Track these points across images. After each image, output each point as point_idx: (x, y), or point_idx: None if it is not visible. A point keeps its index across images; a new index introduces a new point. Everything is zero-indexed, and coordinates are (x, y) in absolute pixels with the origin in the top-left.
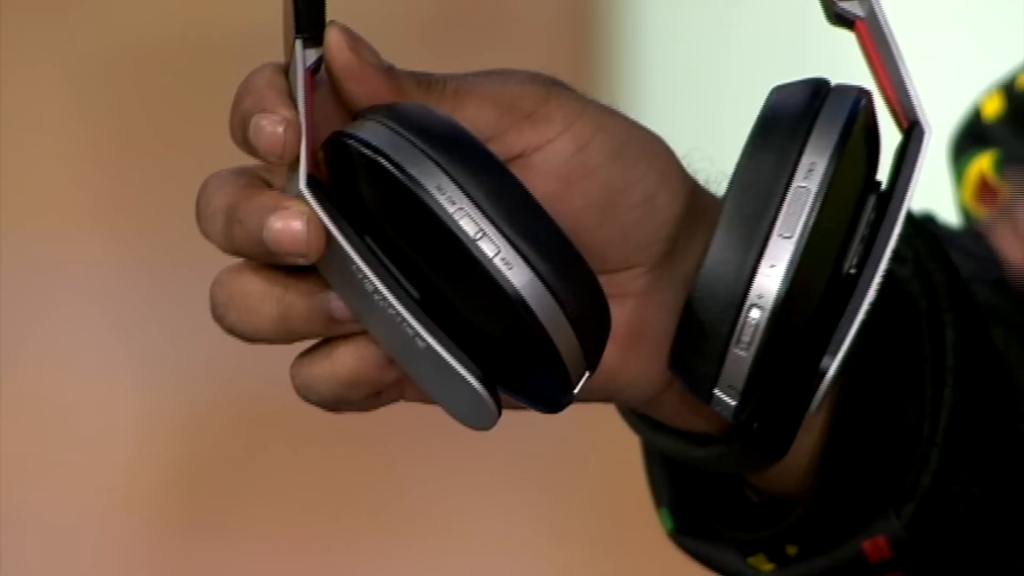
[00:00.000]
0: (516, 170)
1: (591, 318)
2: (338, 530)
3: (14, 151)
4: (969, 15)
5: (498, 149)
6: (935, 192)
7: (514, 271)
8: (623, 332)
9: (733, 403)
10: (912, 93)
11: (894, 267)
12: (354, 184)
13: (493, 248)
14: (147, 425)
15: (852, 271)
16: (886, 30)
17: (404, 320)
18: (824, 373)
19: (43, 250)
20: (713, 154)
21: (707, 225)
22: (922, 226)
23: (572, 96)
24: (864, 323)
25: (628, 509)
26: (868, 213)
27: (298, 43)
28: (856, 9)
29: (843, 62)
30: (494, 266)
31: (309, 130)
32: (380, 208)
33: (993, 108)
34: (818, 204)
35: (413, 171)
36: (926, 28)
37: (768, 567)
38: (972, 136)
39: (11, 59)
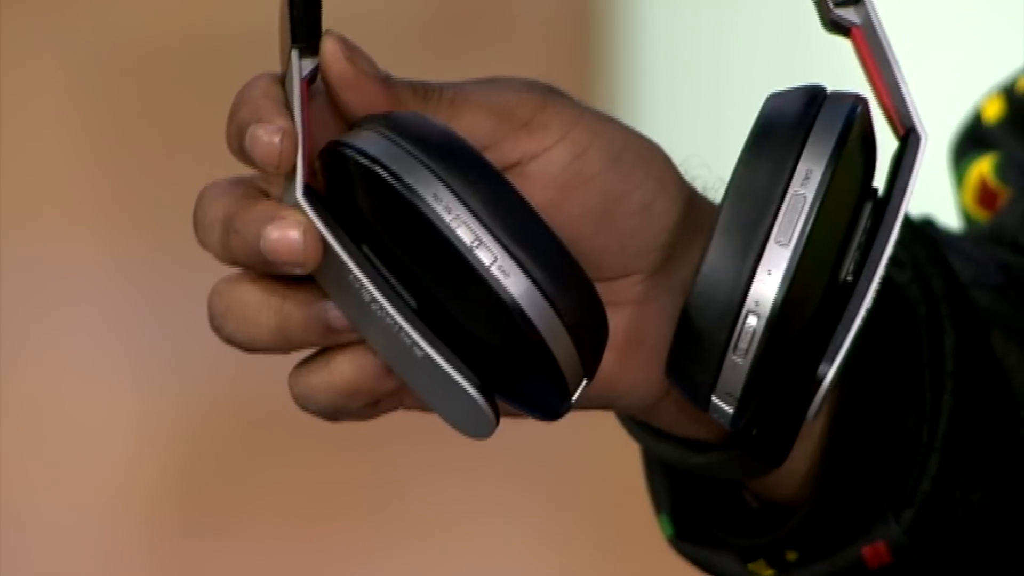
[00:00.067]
0: (513, 178)
1: (588, 326)
2: (337, 531)
3: (14, 150)
4: (969, 18)
5: (495, 157)
6: (936, 196)
7: (511, 279)
8: (621, 340)
9: (731, 410)
10: (908, 99)
11: (892, 272)
12: (351, 194)
13: (490, 256)
14: (147, 425)
15: (849, 278)
16: (882, 37)
17: (401, 329)
18: (821, 380)
19: (43, 249)
20: (713, 154)
21: (704, 232)
22: (921, 231)
23: (569, 104)
24: (861, 329)
25: (627, 513)
26: (865, 220)
27: (294, 53)
28: (852, 16)
29: (843, 64)
30: (491, 274)
31: (306, 140)
32: (377, 217)
33: (993, 111)
34: (815, 211)
35: (409, 180)
36: (926, 31)
37: (768, 573)
38: (972, 139)
39: (11, 58)
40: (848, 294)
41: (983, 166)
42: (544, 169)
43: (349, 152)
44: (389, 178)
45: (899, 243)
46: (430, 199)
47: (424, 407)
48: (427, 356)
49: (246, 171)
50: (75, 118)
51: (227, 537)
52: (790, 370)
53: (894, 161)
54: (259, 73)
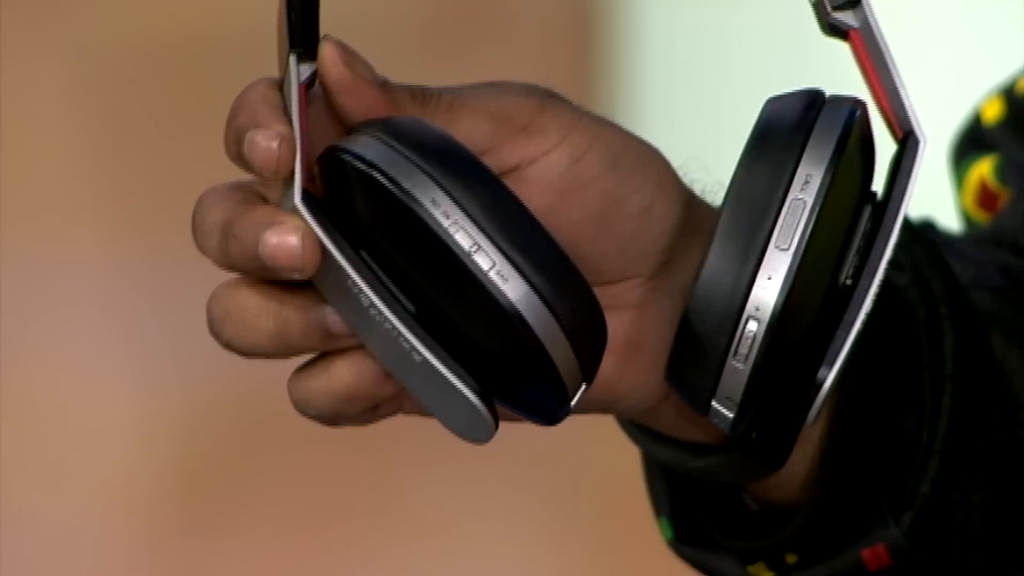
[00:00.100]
0: (511, 183)
1: (587, 330)
2: (337, 531)
3: (14, 150)
4: (968, 19)
5: (493, 162)
6: (936, 197)
7: (509, 284)
8: (620, 344)
9: (731, 415)
10: (907, 103)
11: (892, 275)
12: (349, 199)
13: (488, 262)
14: (147, 425)
15: (848, 282)
16: (880, 40)
17: (400, 334)
18: (821, 384)
19: (43, 249)
20: (713, 155)
21: (704, 236)
22: (920, 233)
23: (567, 108)
24: (861, 333)
25: (627, 515)
26: (864, 224)
27: (292, 58)
28: (850, 20)
29: (844, 66)
30: (489, 280)
31: (304, 145)
32: (375, 222)
33: (993, 113)
34: (814, 216)
35: (407, 185)
36: (925, 32)
37: (768, 575)
38: (972, 141)
39: (11, 58)
40: (848, 298)
41: (983, 168)
42: (542, 173)
43: (347, 157)
44: (387, 183)
45: (899, 246)
46: (428, 204)
47: (423, 412)
48: (426, 361)
49: (245, 176)
50: (75, 118)
51: (227, 537)
52: (790, 374)
53: (893, 164)
54: (257, 78)
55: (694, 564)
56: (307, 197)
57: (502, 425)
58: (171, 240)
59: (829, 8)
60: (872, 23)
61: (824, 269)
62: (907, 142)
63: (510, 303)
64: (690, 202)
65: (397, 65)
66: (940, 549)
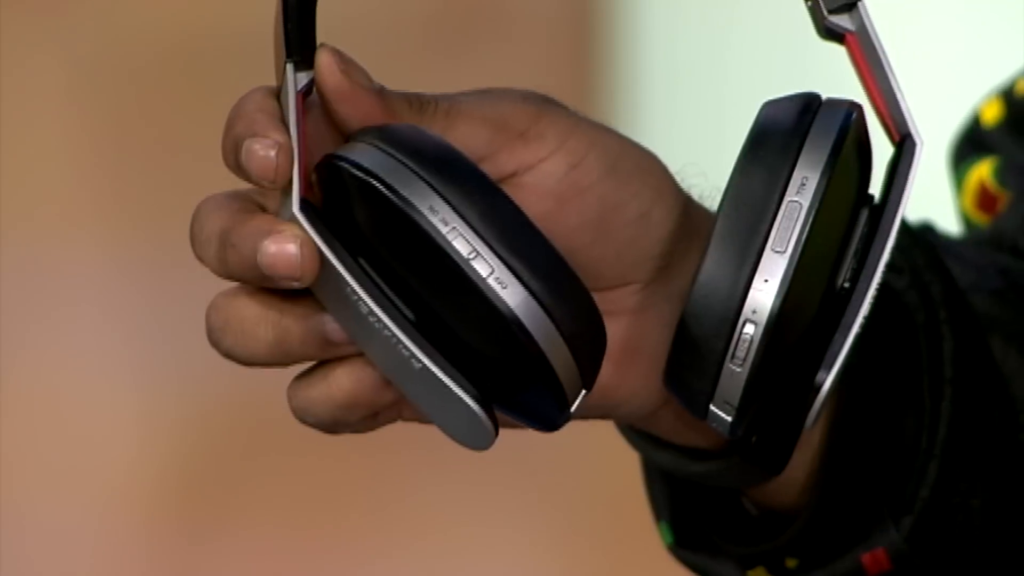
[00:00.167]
0: (509, 189)
1: (586, 336)
2: (337, 532)
3: (14, 150)
4: (967, 20)
5: (490, 169)
6: (935, 199)
7: (508, 291)
8: (619, 349)
9: (729, 419)
10: (903, 106)
11: (891, 278)
12: (347, 207)
13: (487, 268)
14: (147, 425)
15: (846, 285)
16: (876, 43)
17: (400, 342)
18: (820, 387)
19: (43, 249)
20: (713, 156)
21: (701, 240)
22: (919, 236)
23: (564, 114)
24: (859, 337)
25: (627, 518)
26: (861, 227)
27: (289, 66)
28: (846, 23)
29: (844, 69)
30: (488, 286)
31: (301, 153)
32: (374, 230)
33: (992, 114)
34: (811, 218)
35: (405, 192)
36: (924, 33)
37: None
38: (972, 143)
39: (11, 58)
40: (845, 301)
41: (982, 170)
42: (540, 180)
43: (345, 165)
44: (385, 191)
45: (897, 249)
46: (426, 211)
47: (423, 419)
48: (425, 368)
49: (243, 184)
50: (75, 118)
51: (227, 538)
52: (788, 378)
53: (890, 167)
54: (254, 87)
55: (694, 568)
56: (305, 205)
57: (505, 429)
58: (171, 240)
59: (825, 12)
60: (868, 26)
61: (821, 272)
62: (904, 145)
63: (509, 309)
64: (688, 207)
65: (396, 67)
66: (940, 553)
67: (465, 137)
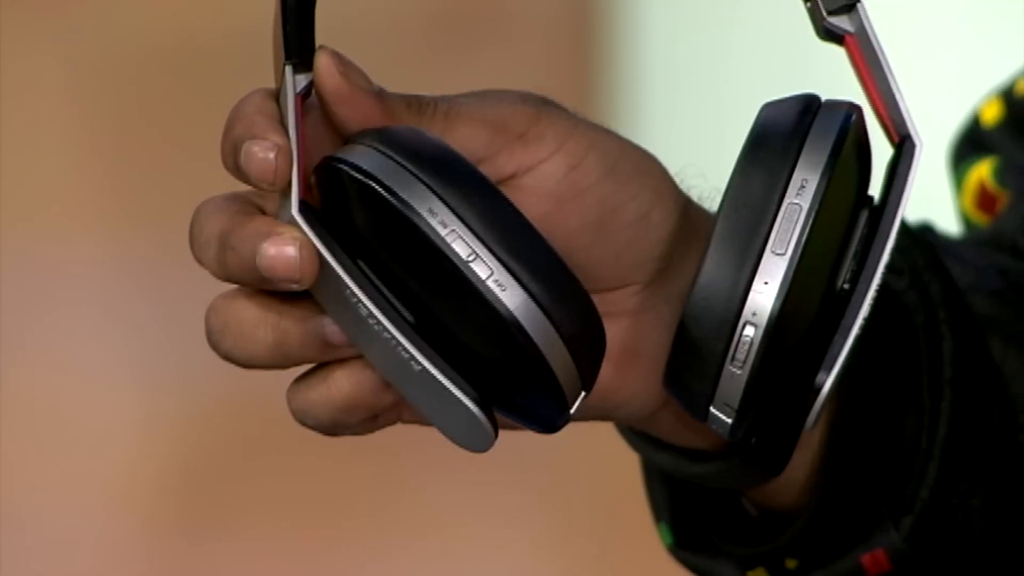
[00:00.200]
0: (508, 191)
1: (586, 338)
2: (337, 533)
3: (14, 150)
4: (967, 21)
5: (490, 171)
6: (935, 200)
7: (507, 293)
8: (618, 351)
9: (729, 421)
10: (903, 107)
11: (890, 279)
12: (346, 209)
13: (486, 270)
14: (147, 425)
15: (846, 286)
16: (875, 44)
17: (399, 344)
18: (819, 388)
19: (43, 249)
20: (713, 157)
21: (701, 242)
22: (919, 237)
23: (563, 115)
24: (858, 338)
25: (627, 519)
26: (861, 228)
27: (288, 69)
28: (845, 24)
29: (844, 69)
30: (487, 288)
31: (300, 155)
32: (373, 232)
33: (992, 114)
34: (810, 220)
35: (404, 195)
36: (924, 33)
37: None
38: (971, 143)
39: (11, 58)
40: (845, 302)
41: (982, 170)
42: (539, 181)
43: (344, 167)
44: (384, 193)
45: (897, 249)
46: (425, 213)
47: (423, 421)
48: (425, 370)
49: (242, 186)
50: (75, 118)
51: (227, 538)
52: (788, 379)
53: (889, 169)
54: (253, 89)
55: (694, 569)
56: (304, 208)
57: (502, 430)
58: (171, 240)
59: (824, 13)
60: (868, 27)
61: (821, 274)
62: (903, 146)
63: (508, 311)
64: (687, 208)
65: (396, 68)
66: (940, 553)
67: (464, 139)
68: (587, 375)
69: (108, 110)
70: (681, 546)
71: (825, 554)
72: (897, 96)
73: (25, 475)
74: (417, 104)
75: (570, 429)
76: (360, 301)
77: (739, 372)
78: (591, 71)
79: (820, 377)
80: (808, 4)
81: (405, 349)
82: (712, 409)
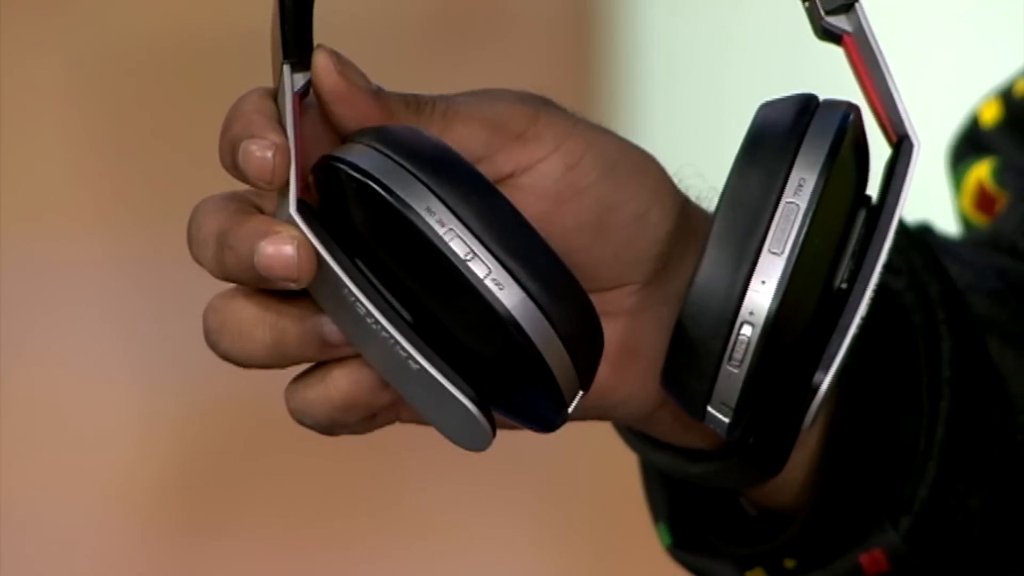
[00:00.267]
0: (506, 191)
1: (583, 337)
2: (336, 533)
3: (14, 150)
4: (966, 21)
5: (488, 170)
6: (933, 201)
7: (505, 291)
8: (616, 350)
9: (726, 420)
10: (901, 107)
11: (889, 279)
12: (344, 208)
13: (484, 269)
14: (147, 425)
15: (843, 286)
16: (873, 44)
17: (397, 343)
18: (817, 388)
19: (43, 249)
20: (713, 156)
21: (699, 242)
22: (917, 237)
23: (562, 115)
24: (856, 338)
25: (626, 519)
26: (859, 228)
27: (286, 68)
28: (843, 24)
29: (844, 69)
30: (485, 287)
31: (298, 154)
32: (371, 231)
33: (991, 115)
34: (808, 220)
35: (402, 193)
36: (923, 34)
37: None
38: (970, 143)
39: (11, 58)
40: (843, 302)
41: (981, 170)
42: (537, 181)
43: (342, 166)
44: (382, 192)
45: (895, 250)
46: (423, 212)
47: (420, 420)
48: (423, 369)
49: (241, 185)
50: (75, 118)
51: (227, 538)
52: (785, 379)
53: (887, 168)
54: (251, 88)
55: (692, 570)
56: (302, 207)
57: (503, 430)
58: (171, 240)
59: (822, 12)
60: (866, 27)
61: (818, 273)
62: (901, 146)
63: (506, 310)
64: (685, 208)
65: (395, 68)
66: (938, 554)
67: (462, 138)
68: (585, 374)
69: (108, 110)
70: (679, 546)
71: (823, 554)
72: (895, 95)
73: (25, 474)
74: (415, 103)
75: (569, 429)
76: (358, 300)
77: (736, 371)
78: (591, 71)
79: (818, 376)
80: (806, 4)
81: (403, 348)
82: (709, 408)
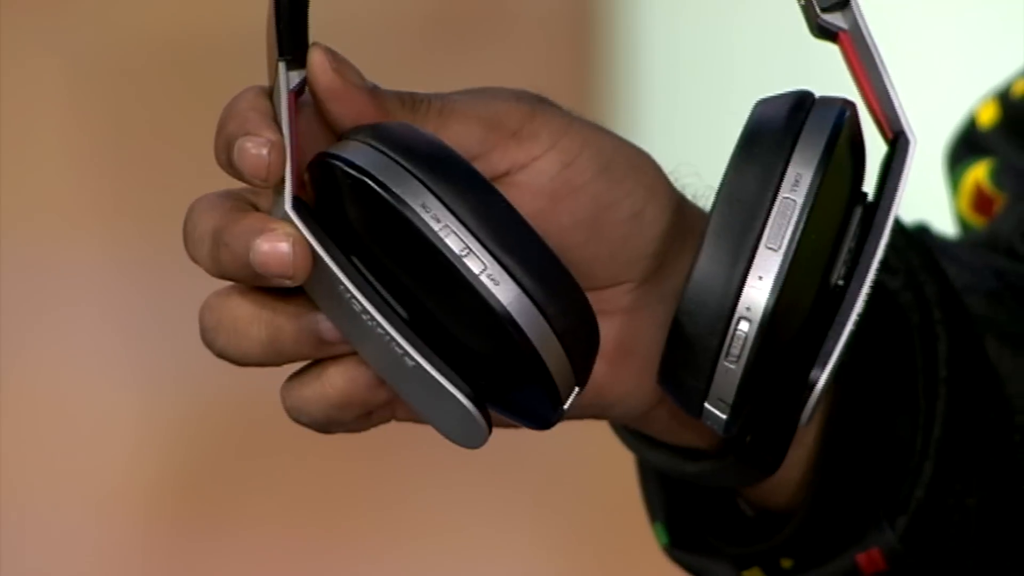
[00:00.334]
0: (502, 188)
1: (579, 333)
2: (335, 533)
3: (13, 150)
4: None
5: (484, 168)
6: (931, 201)
7: (501, 288)
8: (612, 348)
9: (724, 417)
10: (896, 103)
11: (886, 279)
12: (340, 205)
13: (479, 265)
14: (146, 425)
15: (840, 282)
16: (869, 41)
17: (393, 340)
18: (813, 385)
19: (42, 249)
20: (713, 156)
21: (695, 239)
22: (915, 237)
23: (558, 113)
24: (852, 334)
25: (623, 519)
26: (855, 224)
27: (281, 65)
28: (839, 21)
29: (843, 67)
30: (481, 283)
31: (294, 152)
32: (366, 228)
33: (988, 116)
34: (804, 216)
35: (398, 190)
36: (921, 37)
37: None
38: (967, 145)
39: (11, 58)
40: (839, 299)
41: (978, 172)
42: (533, 179)
43: (337, 163)
44: (378, 189)
45: (893, 249)
46: (419, 209)
47: (416, 418)
48: (419, 366)
49: (238, 183)
50: (75, 118)
51: (225, 538)
52: (782, 375)
53: (883, 165)
54: (247, 87)
55: (689, 569)
56: (298, 204)
57: (501, 429)
58: (171, 240)
59: (818, 10)
60: (861, 24)
61: (815, 269)
62: (897, 143)
63: (501, 306)
64: (681, 206)
65: (394, 67)
66: (935, 553)
67: (458, 136)
68: (581, 370)
69: (107, 110)
70: (676, 546)
71: (820, 553)
72: (891, 92)
73: (24, 474)
74: (411, 101)
75: (569, 430)
76: (354, 297)
77: (733, 367)
78: (591, 71)
79: (814, 373)
80: (802, 2)
81: (399, 345)
82: (707, 405)
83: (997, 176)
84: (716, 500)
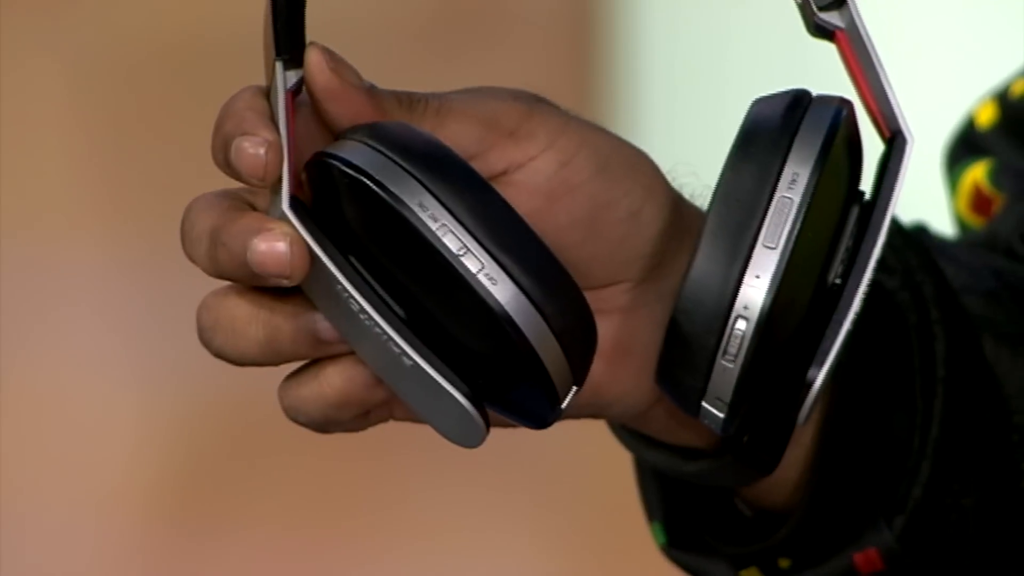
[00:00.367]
0: (499, 188)
1: (577, 332)
2: (335, 533)
3: (14, 151)
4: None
5: (481, 167)
6: (930, 202)
7: (498, 287)
8: (610, 347)
9: (721, 415)
10: (893, 102)
11: (883, 278)
12: (337, 204)
13: (477, 264)
14: (146, 425)
15: (837, 281)
16: (866, 40)
17: (390, 339)
18: (811, 384)
19: (43, 250)
20: (713, 155)
21: (692, 239)
22: (913, 237)
23: (555, 112)
24: (850, 333)
25: (621, 518)
26: (852, 223)
27: (278, 65)
28: (836, 20)
29: (842, 67)
30: (478, 282)
31: (291, 151)
32: (364, 227)
33: (986, 117)
34: (802, 214)
35: (395, 189)
36: (919, 37)
37: None
38: (966, 145)
39: (11, 58)
40: (836, 297)
41: (977, 172)
42: (530, 178)
43: (335, 163)
44: (375, 188)
45: (891, 249)
46: (416, 208)
47: (414, 417)
48: (416, 365)
49: (235, 183)
50: (75, 119)
51: (225, 537)
52: (780, 374)
53: (880, 164)
54: (244, 86)
55: (687, 569)
56: (295, 203)
57: (499, 429)
58: (171, 240)
59: (815, 8)
60: (858, 23)
61: (812, 268)
62: (894, 142)
63: (499, 305)
64: (678, 206)
65: (393, 67)
66: (932, 553)
67: (455, 135)
68: (578, 369)
69: (107, 110)
70: (674, 545)
71: (818, 553)
72: (888, 91)
73: (24, 473)
74: (408, 100)
75: (567, 431)
76: (351, 296)
77: (731, 366)
78: (591, 71)
79: (812, 372)
80: (799, 0)
81: (396, 344)
82: (704, 404)
83: (996, 176)
84: (714, 500)
